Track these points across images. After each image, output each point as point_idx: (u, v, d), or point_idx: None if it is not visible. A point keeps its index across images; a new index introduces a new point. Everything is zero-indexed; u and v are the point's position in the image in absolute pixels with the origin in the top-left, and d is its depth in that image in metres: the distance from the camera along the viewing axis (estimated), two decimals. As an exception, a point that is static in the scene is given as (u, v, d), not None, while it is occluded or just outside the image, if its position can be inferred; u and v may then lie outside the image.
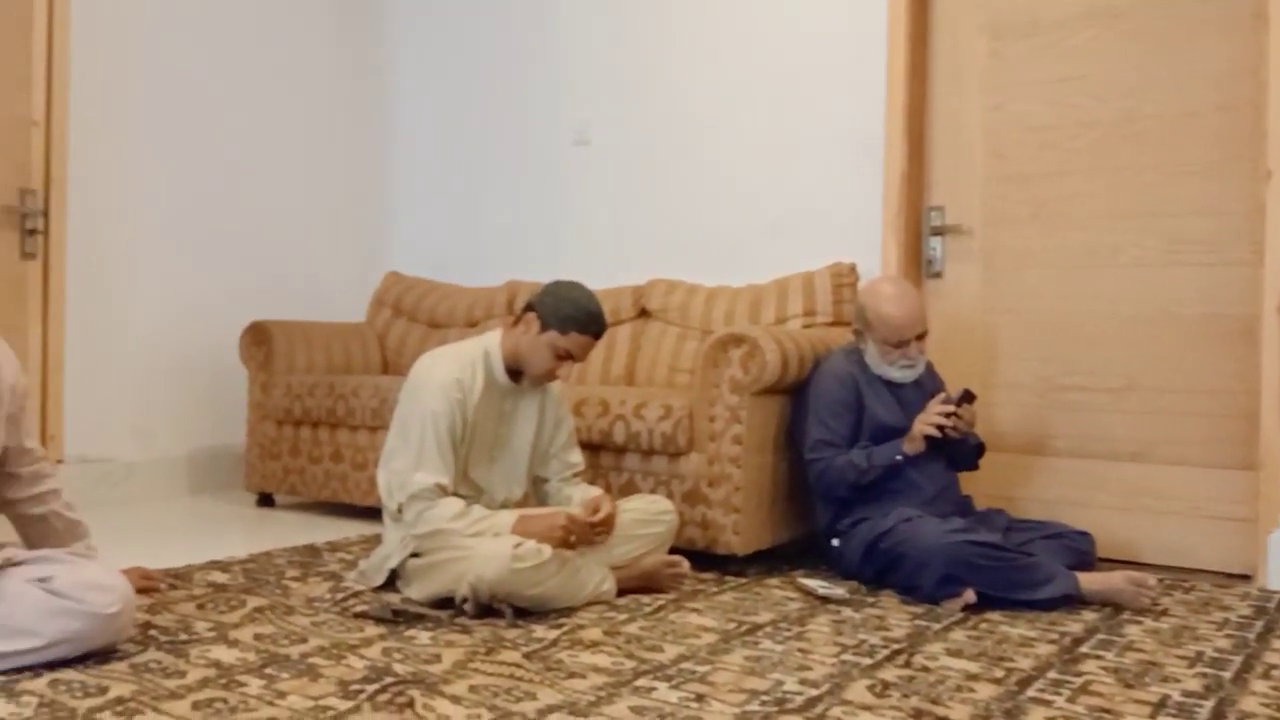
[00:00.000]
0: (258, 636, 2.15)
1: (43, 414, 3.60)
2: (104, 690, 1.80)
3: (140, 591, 2.32)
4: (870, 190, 3.56)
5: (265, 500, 3.90)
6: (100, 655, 1.96)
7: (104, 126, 3.77)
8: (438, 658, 2.05)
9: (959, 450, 2.97)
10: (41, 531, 2.33)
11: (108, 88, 3.78)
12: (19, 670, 1.87)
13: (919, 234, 3.58)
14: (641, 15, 4.11)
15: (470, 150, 4.55)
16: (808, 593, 2.70)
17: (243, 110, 4.25)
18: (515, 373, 2.66)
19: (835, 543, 2.92)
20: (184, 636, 2.13)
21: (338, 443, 3.65)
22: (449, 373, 2.55)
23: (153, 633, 2.14)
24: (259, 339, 3.85)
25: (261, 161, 4.33)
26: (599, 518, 2.56)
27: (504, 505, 2.69)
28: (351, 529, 3.43)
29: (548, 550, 2.39)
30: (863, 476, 2.85)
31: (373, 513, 3.59)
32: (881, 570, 2.78)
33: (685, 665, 2.06)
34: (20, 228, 3.56)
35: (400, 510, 2.52)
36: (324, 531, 3.37)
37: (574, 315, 2.57)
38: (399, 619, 2.32)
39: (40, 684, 1.82)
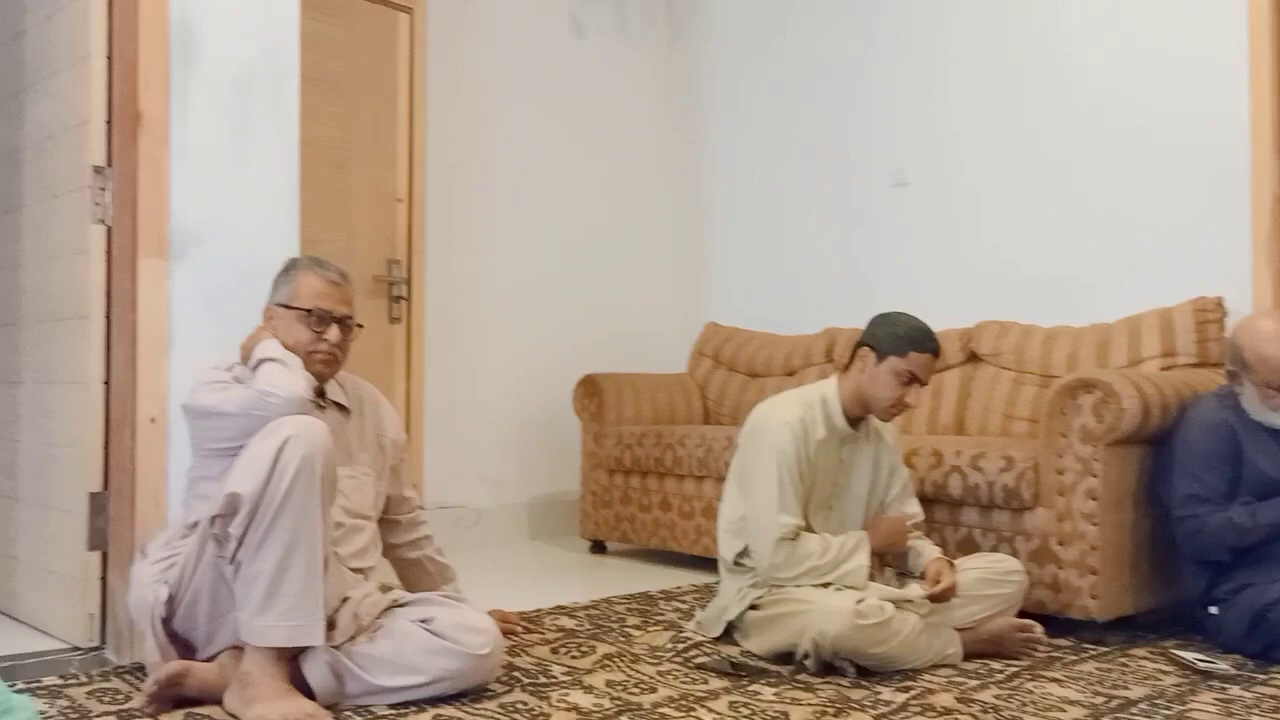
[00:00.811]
0: (609, 683, 2.22)
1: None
2: (480, 728, 1.92)
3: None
4: (1235, 216, 3.21)
5: (598, 547, 4.06)
6: (473, 694, 2.09)
7: (457, 202, 4.14)
8: (785, 715, 2.02)
9: (1368, 508, 2.58)
10: (417, 574, 2.56)
11: (459, 167, 4.15)
12: (405, 705, 2.04)
13: (1298, 262, 3.18)
14: (960, 54, 3.97)
15: (787, 197, 4.57)
16: (1184, 666, 2.43)
17: (576, 177, 4.52)
18: (854, 420, 2.62)
19: (1212, 611, 2.61)
20: (543, 679, 2.24)
21: (665, 491, 3.75)
22: (793, 413, 2.55)
23: (515, 674, 2.26)
24: (591, 391, 4.04)
25: (592, 223, 4.58)
26: (939, 590, 2.45)
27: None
28: (682, 578, 3.49)
29: (890, 608, 2.31)
30: (1245, 537, 2.54)
31: (699, 561, 3.65)
32: (1271, 644, 2.46)
33: (1053, 741, 1.91)
34: (388, 295, 3.96)
35: (743, 555, 2.53)
36: (655, 579, 3.46)
37: (910, 335, 2.51)
38: (739, 672, 2.32)
39: (424, 718, 1.97)
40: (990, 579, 2.56)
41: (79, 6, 2.40)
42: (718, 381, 4.32)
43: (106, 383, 2.44)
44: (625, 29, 4.71)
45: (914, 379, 2.53)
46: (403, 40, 3.94)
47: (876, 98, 4.24)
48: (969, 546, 2.87)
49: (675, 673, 2.32)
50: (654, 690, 2.18)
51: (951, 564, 2.56)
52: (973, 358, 3.62)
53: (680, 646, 2.51)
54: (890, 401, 2.55)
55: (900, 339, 2.51)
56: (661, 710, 2.05)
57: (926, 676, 2.32)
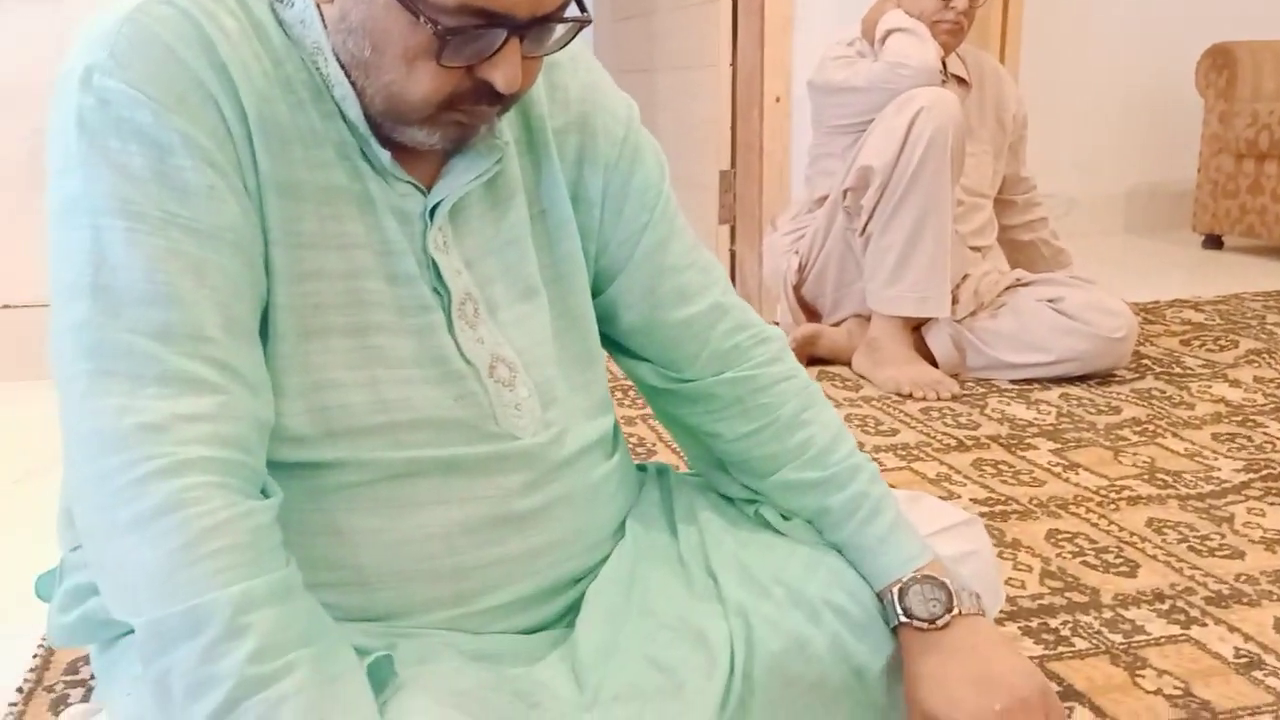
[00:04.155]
0: (1258, 379, 2.03)
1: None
2: (1116, 410, 1.87)
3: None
4: None
5: (1213, 241, 3.64)
6: (1100, 377, 2.04)
7: None
8: None
9: None
10: (1030, 257, 2.48)
11: None
12: (1029, 381, 2.04)
13: None
14: None
15: None
16: None
17: None
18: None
19: None
20: (1177, 370, 2.11)
21: (1312, 179, 3.21)
22: None
23: (1144, 362, 2.15)
24: (1221, 62, 3.48)
25: None
26: None
27: None
28: (1329, 277, 3.03)
29: None
30: None
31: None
32: None
33: None
34: (984, -36, 3.66)
35: None
36: (1292, 278, 3.05)
37: None
38: None
39: (1051, 395, 1.96)
40: None
41: None
42: (1397, 44, 3.49)
43: (733, 65, 2.58)
44: None
45: None
46: None
47: None
48: None
49: (1340, 375, 2.06)
50: (1318, 391, 1.96)
51: None
52: None
53: (1346, 348, 2.21)
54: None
55: None
56: (1329, 412, 1.84)
57: None
